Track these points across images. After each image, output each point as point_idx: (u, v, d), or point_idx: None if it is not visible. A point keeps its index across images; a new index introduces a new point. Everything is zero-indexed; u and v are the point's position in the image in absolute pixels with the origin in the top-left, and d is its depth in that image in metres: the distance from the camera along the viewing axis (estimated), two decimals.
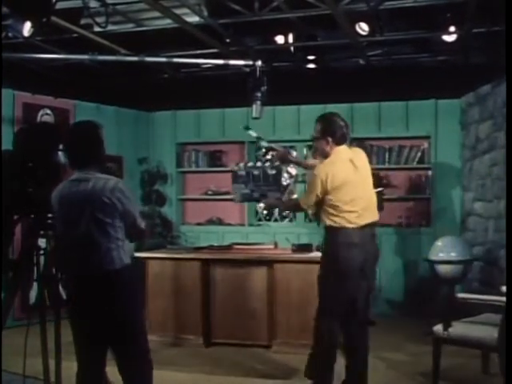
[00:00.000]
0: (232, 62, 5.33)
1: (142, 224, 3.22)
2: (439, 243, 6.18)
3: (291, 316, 5.26)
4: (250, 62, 4.94)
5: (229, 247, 5.95)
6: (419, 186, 7.25)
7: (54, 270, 3.46)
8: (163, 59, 5.78)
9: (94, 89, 6.89)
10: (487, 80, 6.19)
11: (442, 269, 6.03)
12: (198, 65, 6.57)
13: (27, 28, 4.49)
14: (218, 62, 5.53)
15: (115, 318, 3.03)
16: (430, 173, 7.19)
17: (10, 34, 4.81)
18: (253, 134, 5.09)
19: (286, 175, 8.02)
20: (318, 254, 4.68)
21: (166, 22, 5.25)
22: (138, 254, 5.58)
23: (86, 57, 5.61)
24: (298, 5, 4.99)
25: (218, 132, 7.87)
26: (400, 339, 5.72)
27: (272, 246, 5.90)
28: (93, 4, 4.99)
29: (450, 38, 5.52)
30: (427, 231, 7.00)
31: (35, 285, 3.54)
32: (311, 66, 6.41)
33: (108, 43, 5.76)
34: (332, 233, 3.96)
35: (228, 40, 5.80)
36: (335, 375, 4.01)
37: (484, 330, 3.99)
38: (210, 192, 7.90)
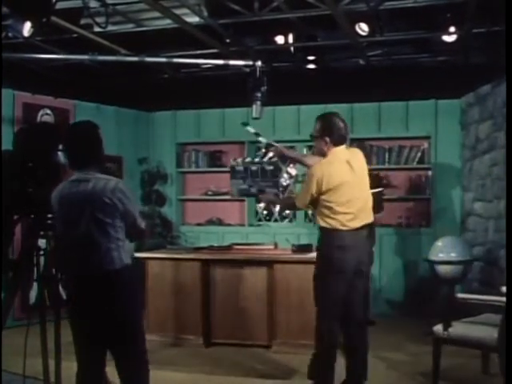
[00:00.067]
0: (232, 62, 5.33)
1: (143, 224, 3.22)
2: (439, 243, 6.18)
3: (291, 316, 5.26)
4: (250, 62, 4.94)
5: (229, 247, 5.94)
6: (419, 186, 7.25)
7: (53, 270, 3.46)
8: (163, 59, 5.78)
9: (94, 89, 6.89)
10: (487, 80, 6.19)
11: (442, 269, 6.03)
12: (197, 65, 6.57)
13: (27, 28, 4.49)
14: (218, 62, 5.53)
15: (115, 318, 3.03)
16: (429, 173, 7.19)
17: (10, 34, 4.81)
18: (251, 130, 5.07)
19: (285, 175, 8.01)
20: None
21: (166, 23, 5.25)
22: (137, 254, 5.59)
23: (85, 57, 5.60)
24: (298, 5, 4.98)
25: (218, 132, 7.87)
26: (400, 339, 5.72)
27: (272, 247, 5.90)
28: (93, 4, 4.98)
29: (449, 38, 5.53)
30: (427, 231, 7.01)
31: (35, 285, 3.54)
32: (311, 66, 6.41)
33: (108, 43, 5.76)
34: (326, 234, 3.97)
35: (228, 40, 5.80)
36: (335, 375, 4.01)
37: (484, 330, 3.99)
38: (209, 192, 7.90)
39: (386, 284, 7.04)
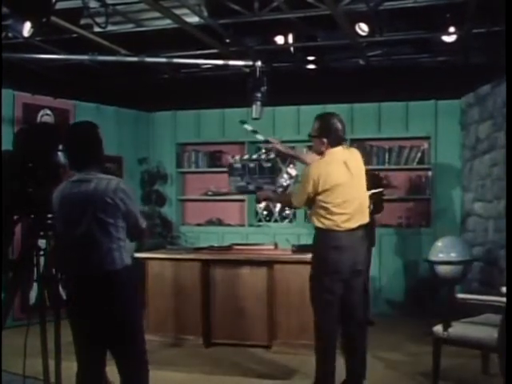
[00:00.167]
0: (232, 62, 5.33)
1: (143, 224, 3.23)
2: (439, 243, 6.18)
3: (291, 316, 5.25)
4: (250, 63, 4.94)
5: (229, 248, 5.94)
6: (419, 186, 7.25)
7: (54, 270, 3.46)
8: (163, 59, 5.78)
9: (94, 89, 6.89)
10: (487, 80, 6.19)
11: (442, 269, 6.03)
12: (197, 65, 6.57)
13: (27, 28, 4.49)
14: (218, 62, 5.54)
15: (114, 318, 3.03)
16: (429, 173, 7.19)
17: (9, 34, 4.81)
18: (248, 127, 5.06)
19: (285, 176, 8.03)
20: None
21: (166, 23, 5.26)
22: (137, 255, 5.59)
23: (85, 57, 5.61)
24: (297, 5, 4.99)
25: (218, 132, 7.87)
26: (400, 339, 5.72)
27: (272, 247, 5.90)
28: (93, 4, 4.99)
29: (449, 39, 5.53)
30: (427, 231, 7.01)
31: (35, 285, 3.54)
32: (311, 66, 6.42)
33: (108, 43, 5.76)
34: (321, 235, 3.97)
35: (228, 40, 5.80)
36: (335, 375, 4.01)
37: (484, 330, 3.99)
38: (209, 192, 7.90)
39: (386, 284, 7.04)
